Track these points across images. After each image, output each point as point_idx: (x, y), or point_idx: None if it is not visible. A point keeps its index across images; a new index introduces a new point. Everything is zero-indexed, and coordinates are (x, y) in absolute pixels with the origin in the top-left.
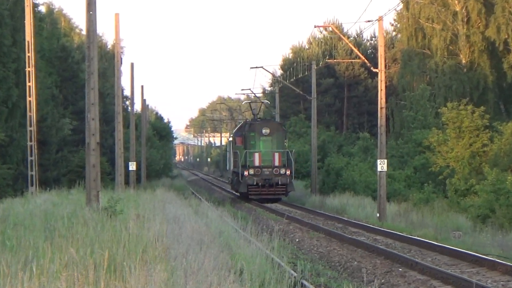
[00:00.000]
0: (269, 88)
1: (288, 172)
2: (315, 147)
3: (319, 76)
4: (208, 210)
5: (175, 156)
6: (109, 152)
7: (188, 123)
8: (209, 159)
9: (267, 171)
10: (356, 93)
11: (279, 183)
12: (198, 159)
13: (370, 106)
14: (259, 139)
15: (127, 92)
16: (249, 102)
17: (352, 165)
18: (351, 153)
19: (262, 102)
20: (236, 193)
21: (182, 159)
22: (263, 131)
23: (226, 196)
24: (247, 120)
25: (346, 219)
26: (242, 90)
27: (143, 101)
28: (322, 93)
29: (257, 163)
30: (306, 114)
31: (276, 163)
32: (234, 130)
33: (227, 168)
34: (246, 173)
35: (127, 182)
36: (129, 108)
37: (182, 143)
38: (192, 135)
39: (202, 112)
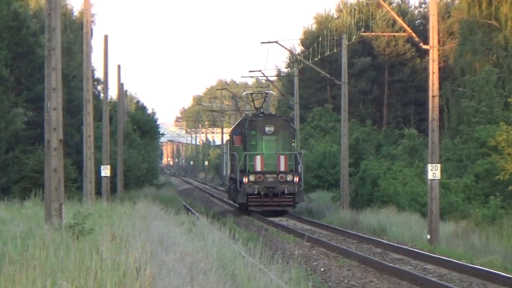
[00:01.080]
0: (285, 70)
1: (296, 179)
2: (346, 147)
3: (351, 54)
4: (205, 229)
5: (161, 158)
6: (75, 152)
7: (179, 115)
8: (206, 163)
9: (271, 177)
10: (400, 77)
11: (285, 192)
12: (192, 162)
13: (418, 94)
14: (262, 138)
15: (99, 74)
16: (250, 93)
17: (394, 171)
18: (393, 156)
19: (267, 93)
20: (235, 204)
21: (171, 162)
22: (267, 129)
23: (228, 210)
24: (247, 116)
25: (386, 242)
26: (250, 72)
27: (120, 85)
28: (356, 76)
29: (258, 167)
30: (335, 103)
31: (282, 168)
32: (232, 128)
33: (224, 174)
34: (245, 179)
35: (98, 192)
36: (102, 94)
37: (171, 141)
38: (184, 131)
39: (198, 100)
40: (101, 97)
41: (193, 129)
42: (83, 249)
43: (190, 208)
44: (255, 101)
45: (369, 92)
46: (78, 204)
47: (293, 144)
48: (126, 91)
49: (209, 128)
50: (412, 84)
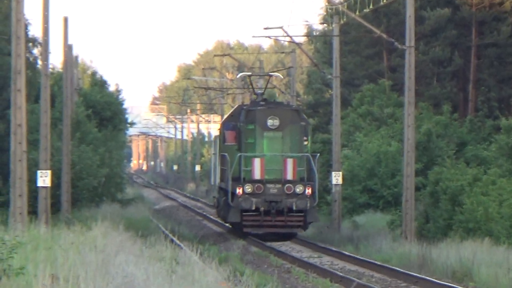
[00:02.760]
0: (319, 27)
1: (308, 191)
2: (411, 145)
3: (421, 4)
4: (195, 268)
5: (130, 160)
6: None
7: (157, 95)
8: (197, 167)
9: (275, 188)
10: (494, 39)
11: (294, 208)
12: (176, 167)
13: None
14: (262, 135)
15: (35, 31)
16: (248, 75)
17: (485, 184)
18: (484, 159)
19: (270, 76)
20: (225, 224)
21: (144, 166)
22: (269, 122)
23: (230, 239)
24: (244, 104)
25: None
26: (266, 29)
27: (68, 48)
28: (427, 37)
29: (258, 175)
30: (394, 79)
31: (289, 176)
32: (223, 119)
33: (211, 182)
34: (239, 191)
35: (33, 211)
36: (40, 62)
37: (144, 133)
38: (164, 119)
39: (186, 73)
40: (38, 66)
41: (178, 116)
42: None
43: (173, 237)
44: (254, 85)
45: (448, 62)
46: (1, 229)
47: (305, 143)
48: (76, 57)
49: (203, 115)
50: None
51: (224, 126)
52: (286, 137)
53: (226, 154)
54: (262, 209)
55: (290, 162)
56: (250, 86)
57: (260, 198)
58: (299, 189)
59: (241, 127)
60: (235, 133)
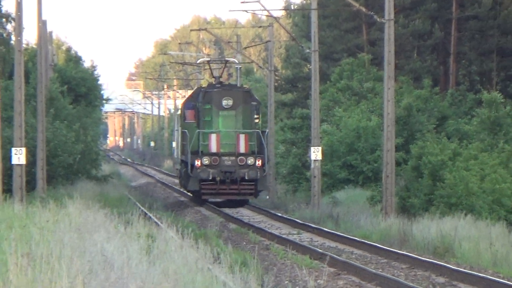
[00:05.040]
0: (298, 0)
1: (259, 163)
2: (391, 120)
3: None
4: (172, 246)
5: (106, 137)
6: None
7: (134, 71)
8: (174, 144)
9: (229, 160)
10: (475, 11)
11: (246, 178)
12: (153, 143)
13: (504, 39)
14: (218, 114)
15: (8, 6)
16: (208, 61)
17: (466, 158)
18: (465, 134)
19: (227, 61)
20: (187, 193)
21: (121, 143)
22: (224, 102)
23: (208, 217)
24: (202, 87)
25: (453, 267)
26: (243, 3)
27: (42, 24)
28: (407, 10)
29: (214, 148)
30: (373, 52)
31: (242, 149)
32: (184, 99)
33: (174, 155)
34: (198, 163)
35: (8, 189)
36: (13, 38)
37: (120, 110)
38: (141, 95)
39: (162, 48)
40: (12, 42)
41: (154, 92)
42: None
43: (150, 215)
44: (214, 70)
45: (428, 35)
46: None
47: (256, 120)
48: (51, 32)
49: (180, 91)
50: (495, 23)
51: (185, 105)
52: (239, 115)
53: (186, 130)
54: (218, 178)
55: (242, 137)
56: (209, 71)
57: (216, 169)
58: (250, 161)
59: (199, 107)
60: (194, 112)
